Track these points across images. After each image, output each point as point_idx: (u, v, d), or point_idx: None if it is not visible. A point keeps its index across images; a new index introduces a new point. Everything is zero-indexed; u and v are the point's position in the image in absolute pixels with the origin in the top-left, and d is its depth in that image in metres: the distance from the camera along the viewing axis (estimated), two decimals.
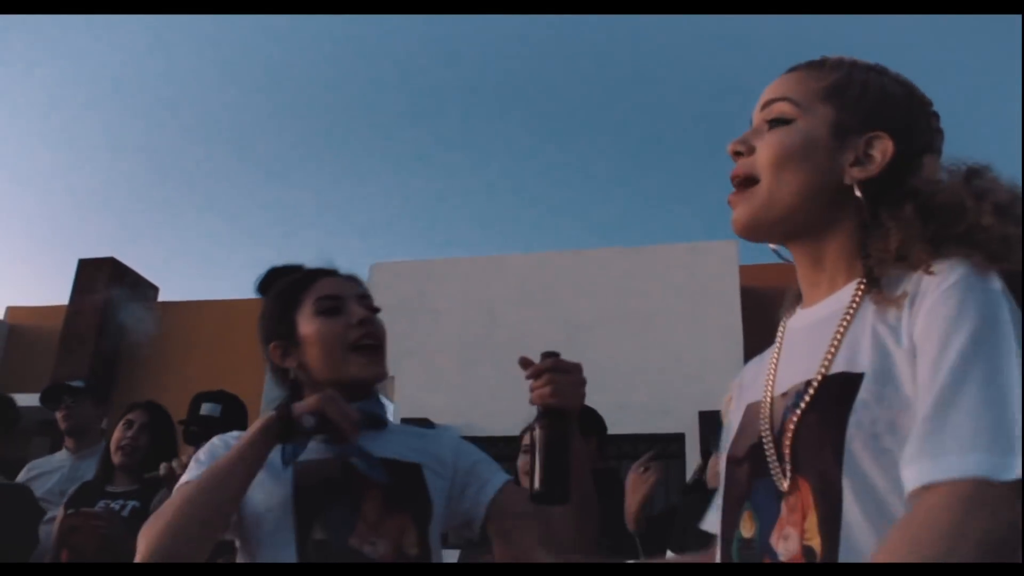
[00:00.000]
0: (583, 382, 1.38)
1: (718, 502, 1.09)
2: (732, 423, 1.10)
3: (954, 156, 1.01)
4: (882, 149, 0.99)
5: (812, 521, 0.88)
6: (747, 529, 0.97)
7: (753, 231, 1.05)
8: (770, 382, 1.02)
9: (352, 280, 1.60)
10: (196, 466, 1.46)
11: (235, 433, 1.53)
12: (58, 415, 3.62)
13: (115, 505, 2.83)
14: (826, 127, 1.01)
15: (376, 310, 1.56)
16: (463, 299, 9.61)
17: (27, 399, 8.10)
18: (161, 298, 11.62)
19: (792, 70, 1.08)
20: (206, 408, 2.89)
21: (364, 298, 1.57)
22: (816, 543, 0.87)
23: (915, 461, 0.79)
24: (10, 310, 11.47)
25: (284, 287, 1.59)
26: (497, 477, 1.56)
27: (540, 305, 9.47)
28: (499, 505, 1.52)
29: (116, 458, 2.99)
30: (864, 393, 0.87)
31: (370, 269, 10.28)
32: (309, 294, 1.54)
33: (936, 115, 1.06)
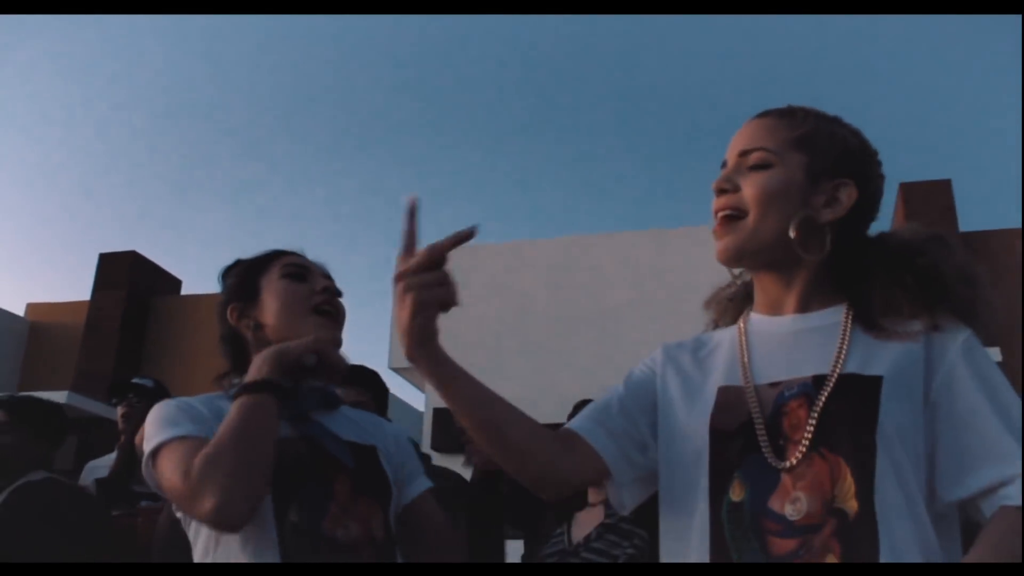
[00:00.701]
0: None
1: (593, 411, 1.27)
2: (662, 388, 1.27)
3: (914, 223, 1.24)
4: (848, 194, 1.19)
5: (847, 488, 1.05)
6: (736, 494, 1.12)
7: (738, 259, 1.22)
8: (746, 372, 1.20)
9: (320, 264, 1.64)
10: (174, 423, 1.40)
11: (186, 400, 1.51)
12: (119, 411, 3.62)
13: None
14: (802, 173, 1.19)
15: (339, 292, 1.59)
16: (492, 285, 9.50)
17: (50, 397, 7.97)
18: (183, 291, 11.48)
19: (762, 116, 1.25)
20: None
21: (328, 278, 1.61)
22: (851, 505, 1.05)
23: (1012, 479, 1.03)
24: (30, 307, 11.37)
25: (253, 258, 1.63)
26: (419, 483, 1.61)
27: (570, 289, 9.38)
28: (413, 511, 1.57)
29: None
30: (887, 390, 1.09)
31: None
32: (276, 262, 1.59)
33: (880, 162, 1.26)
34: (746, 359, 1.22)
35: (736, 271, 1.31)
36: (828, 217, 1.18)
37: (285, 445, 1.42)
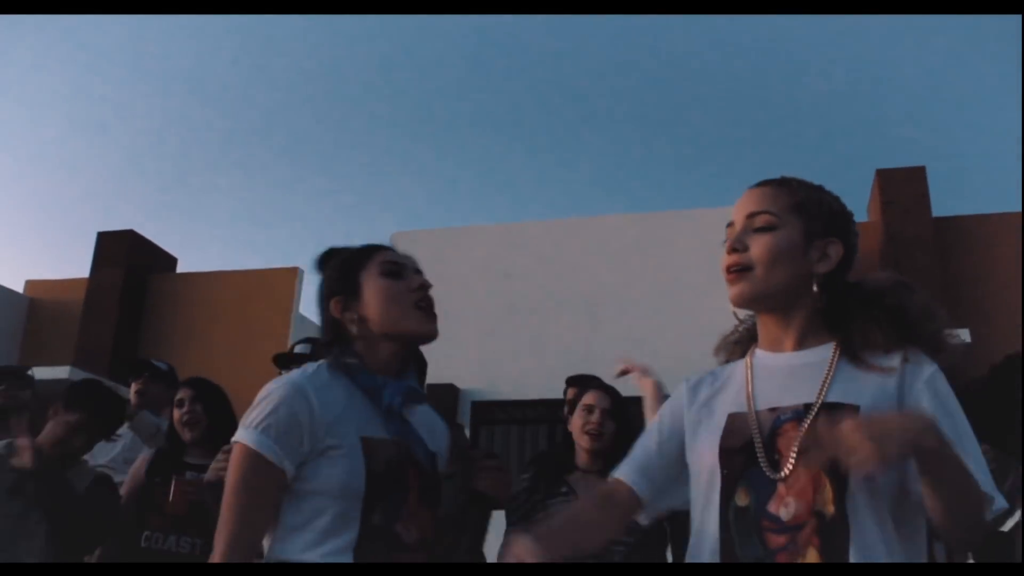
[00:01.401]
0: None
1: (636, 454, 1.55)
2: (688, 417, 1.52)
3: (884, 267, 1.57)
4: (836, 251, 1.44)
5: (826, 495, 1.30)
6: (742, 500, 1.36)
7: (749, 304, 1.47)
8: (750, 400, 1.44)
9: (409, 257, 1.74)
10: (268, 433, 1.49)
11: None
12: (132, 387, 3.91)
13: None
14: (800, 234, 1.43)
15: (430, 285, 1.70)
16: (483, 266, 9.60)
17: (48, 372, 8.13)
18: (180, 269, 11.60)
19: (762, 185, 1.49)
20: (299, 348, 3.18)
21: (419, 272, 1.72)
22: (829, 509, 1.29)
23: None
24: (29, 283, 11.44)
25: (349, 253, 1.73)
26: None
27: (560, 272, 9.43)
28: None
29: (186, 436, 3.18)
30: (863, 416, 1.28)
31: (391, 238, 10.15)
32: (374, 259, 1.69)
33: (854, 222, 1.51)
34: (750, 389, 1.45)
35: (741, 315, 1.58)
36: (821, 270, 1.43)
37: (380, 447, 1.53)
